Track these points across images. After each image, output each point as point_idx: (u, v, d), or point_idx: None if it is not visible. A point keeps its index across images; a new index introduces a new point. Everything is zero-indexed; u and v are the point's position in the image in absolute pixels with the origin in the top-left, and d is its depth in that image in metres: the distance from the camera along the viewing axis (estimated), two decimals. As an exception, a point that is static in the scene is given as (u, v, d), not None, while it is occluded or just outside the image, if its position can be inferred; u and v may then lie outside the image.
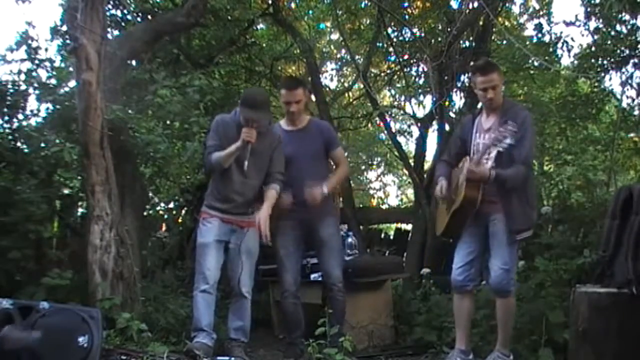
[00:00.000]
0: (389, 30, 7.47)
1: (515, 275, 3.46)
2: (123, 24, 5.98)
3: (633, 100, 6.99)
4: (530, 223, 3.43)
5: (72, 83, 4.34)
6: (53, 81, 4.64)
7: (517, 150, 3.27)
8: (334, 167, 4.10)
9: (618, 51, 6.39)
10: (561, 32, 7.02)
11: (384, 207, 13.22)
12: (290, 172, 3.86)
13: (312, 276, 4.46)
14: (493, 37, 7.31)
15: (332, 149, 4.01)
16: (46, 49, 4.71)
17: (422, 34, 7.42)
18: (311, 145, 3.93)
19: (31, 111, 4.52)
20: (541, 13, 7.99)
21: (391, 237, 8.57)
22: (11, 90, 4.41)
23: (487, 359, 3.49)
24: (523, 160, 3.31)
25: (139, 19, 6.01)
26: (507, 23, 8.11)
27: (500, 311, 3.44)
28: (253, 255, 3.79)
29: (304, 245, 4.03)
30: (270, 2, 7.38)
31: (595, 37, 6.58)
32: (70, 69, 4.48)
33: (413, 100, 8.87)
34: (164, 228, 6.46)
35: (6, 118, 4.41)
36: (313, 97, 7.27)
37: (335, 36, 10.01)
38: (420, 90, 8.31)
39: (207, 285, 3.64)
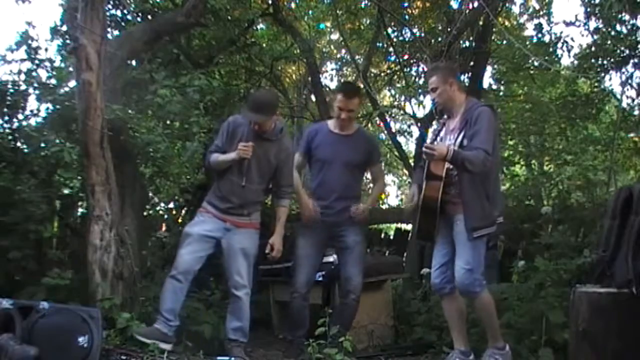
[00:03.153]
0: (389, 30, 7.47)
1: (480, 274, 3.35)
2: (123, 24, 5.97)
3: (633, 100, 7.00)
4: (490, 219, 3.35)
5: (72, 83, 4.34)
6: (53, 81, 4.64)
7: (475, 140, 3.29)
8: (371, 181, 4.13)
9: (618, 51, 6.38)
10: (561, 32, 7.05)
11: (384, 207, 13.21)
12: (324, 174, 3.89)
13: (313, 276, 4.46)
14: (493, 37, 7.30)
15: (374, 163, 4.07)
16: (46, 49, 4.71)
17: (422, 34, 7.42)
18: (352, 154, 3.93)
19: (31, 111, 4.53)
20: (541, 13, 7.99)
21: (391, 237, 8.55)
22: (11, 90, 4.40)
23: (482, 357, 3.47)
24: (480, 145, 3.26)
25: (139, 19, 6.00)
26: (507, 23, 8.12)
27: (477, 312, 3.45)
28: (249, 255, 3.76)
29: (324, 249, 4.03)
30: (270, 2, 7.37)
31: (595, 37, 6.58)
32: (70, 69, 4.47)
33: (413, 100, 8.88)
34: (164, 228, 6.45)
35: (6, 118, 4.41)
36: (313, 97, 7.27)
37: (335, 36, 10.03)
38: (420, 90, 8.32)
39: (176, 272, 3.64)
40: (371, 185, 4.52)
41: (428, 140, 3.48)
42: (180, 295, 3.65)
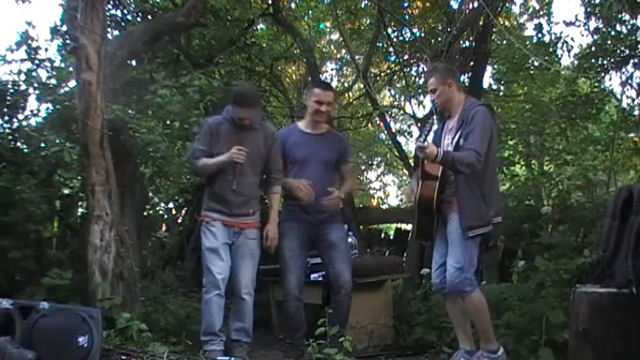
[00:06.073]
0: (389, 30, 7.47)
1: (471, 274, 3.34)
2: (123, 24, 5.98)
3: (633, 100, 7.01)
4: (485, 219, 3.35)
5: (72, 83, 4.35)
6: (53, 81, 4.65)
7: (468, 140, 3.31)
8: (342, 179, 4.14)
9: (618, 51, 6.38)
10: (561, 32, 7.04)
11: (384, 207, 13.22)
12: (302, 174, 3.88)
13: (312, 276, 4.47)
14: (493, 37, 7.30)
15: (344, 162, 4.10)
16: (46, 49, 4.73)
17: (422, 34, 7.42)
18: (326, 152, 3.96)
19: (31, 111, 4.54)
20: (541, 13, 7.99)
21: (391, 237, 8.56)
22: (11, 90, 4.41)
23: (472, 358, 3.48)
24: (471, 146, 3.27)
25: (139, 19, 6.01)
26: (507, 23, 8.11)
27: (466, 312, 3.44)
28: (255, 256, 3.78)
29: (309, 249, 4.04)
30: (270, 2, 7.38)
31: (595, 37, 6.58)
32: (70, 69, 4.48)
33: (413, 100, 8.88)
34: (164, 228, 6.46)
35: (6, 118, 4.42)
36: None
37: (335, 36, 10.03)
38: (420, 90, 8.31)
39: (219, 290, 3.62)
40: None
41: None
42: (223, 309, 3.69)
